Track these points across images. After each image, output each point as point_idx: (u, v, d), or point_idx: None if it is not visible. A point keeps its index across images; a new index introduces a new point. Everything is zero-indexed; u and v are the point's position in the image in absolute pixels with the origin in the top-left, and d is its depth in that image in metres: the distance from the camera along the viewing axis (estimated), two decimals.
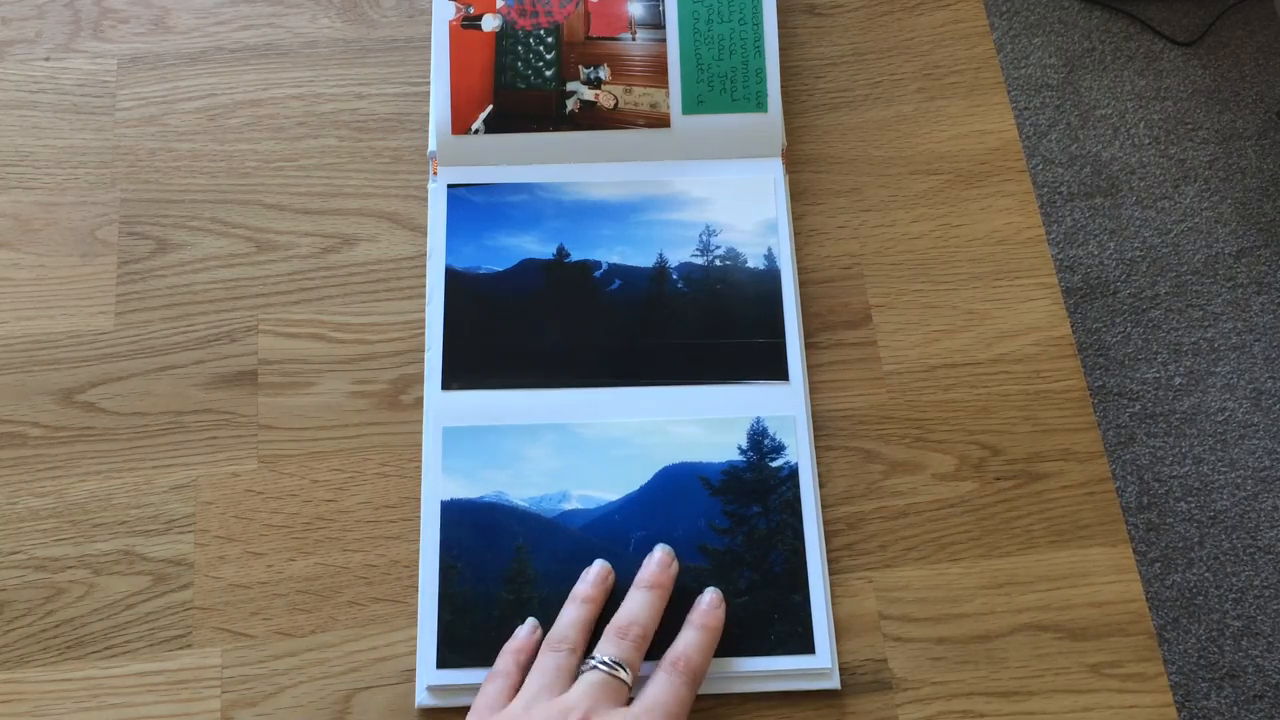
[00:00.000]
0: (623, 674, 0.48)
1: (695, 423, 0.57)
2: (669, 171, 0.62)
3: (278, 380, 0.58)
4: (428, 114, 0.64)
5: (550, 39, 0.61)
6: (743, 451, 0.57)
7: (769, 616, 0.54)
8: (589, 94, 0.61)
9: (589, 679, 0.48)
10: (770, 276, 0.60)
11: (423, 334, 0.59)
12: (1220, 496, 1.43)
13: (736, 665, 0.53)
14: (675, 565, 0.53)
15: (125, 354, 0.59)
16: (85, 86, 0.64)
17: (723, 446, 0.57)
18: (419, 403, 0.58)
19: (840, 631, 0.54)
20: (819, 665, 0.53)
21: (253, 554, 0.55)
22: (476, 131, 0.61)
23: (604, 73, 0.61)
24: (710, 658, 0.51)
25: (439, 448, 0.56)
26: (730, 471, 0.56)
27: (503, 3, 0.62)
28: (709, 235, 0.61)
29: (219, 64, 0.65)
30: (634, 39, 0.62)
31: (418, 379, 0.59)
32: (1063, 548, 0.56)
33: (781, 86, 0.64)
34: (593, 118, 0.61)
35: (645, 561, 0.53)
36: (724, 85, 0.62)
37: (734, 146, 0.62)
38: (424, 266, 0.61)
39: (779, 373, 0.59)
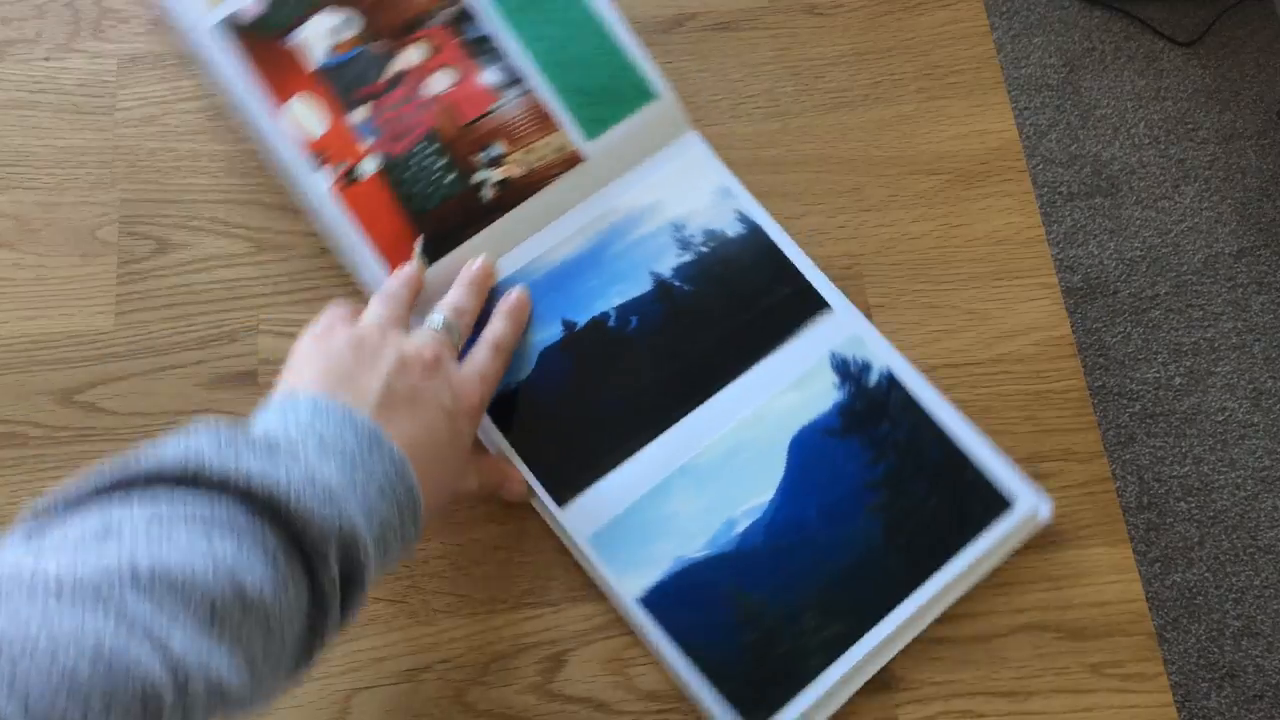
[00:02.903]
0: (455, 337, 0.54)
1: (785, 391, 0.57)
2: (609, 198, 0.61)
3: (278, 380, 0.58)
4: None
5: (433, 146, 0.59)
6: (840, 387, 0.57)
7: (962, 503, 0.55)
8: (497, 175, 0.59)
9: (434, 332, 0.53)
10: (755, 233, 0.61)
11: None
12: (1220, 496, 1.43)
13: (962, 561, 0.54)
14: (493, 277, 0.59)
15: (125, 354, 0.59)
16: (85, 86, 0.64)
17: (822, 395, 0.57)
18: None
19: None
20: (1025, 514, 0.55)
21: None
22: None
23: (499, 148, 0.59)
24: (518, 337, 0.57)
25: (599, 557, 0.54)
26: (843, 410, 0.57)
27: (368, 141, 0.59)
28: (679, 231, 0.60)
29: None
30: (504, 103, 0.60)
31: None
32: (1063, 548, 0.56)
33: (779, 93, 0.64)
34: (514, 193, 0.59)
35: (469, 265, 0.58)
36: (608, 96, 0.61)
37: (649, 143, 0.62)
38: None
39: (819, 305, 0.59)
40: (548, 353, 0.58)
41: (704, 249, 0.60)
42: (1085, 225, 1.57)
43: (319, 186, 0.58)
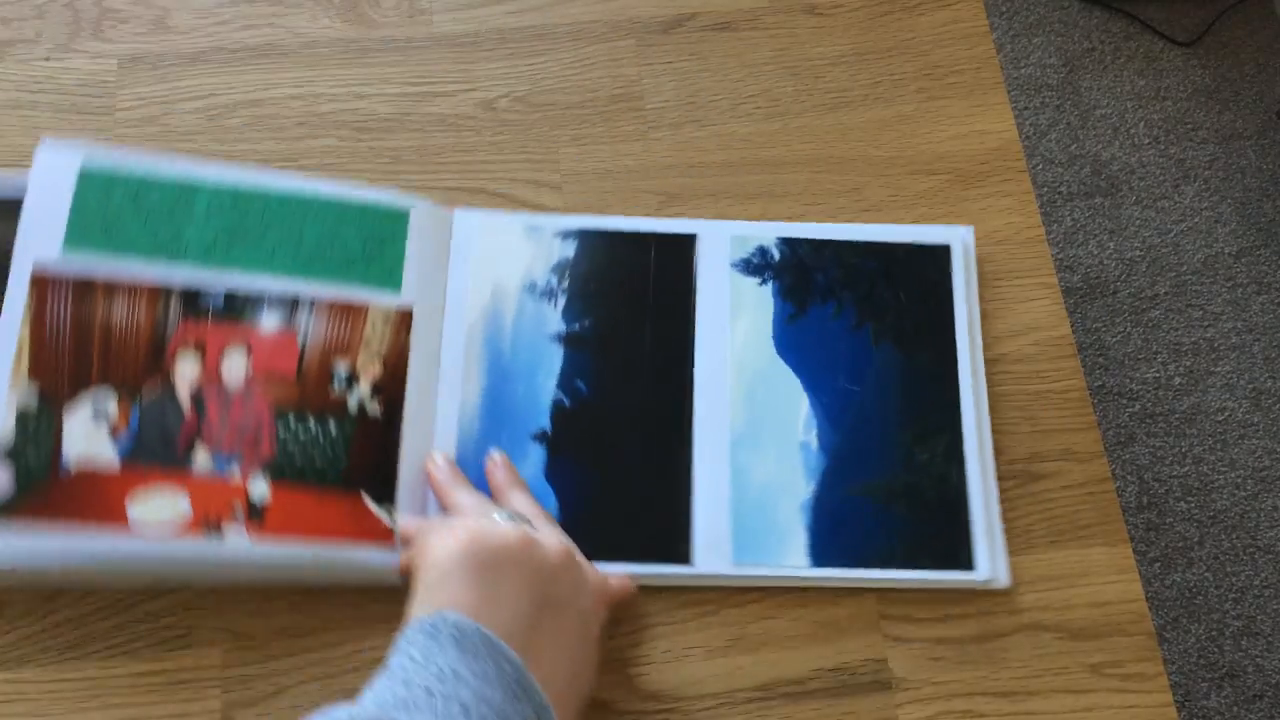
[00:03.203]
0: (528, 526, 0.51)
1: (733, 322, 0.59)
2: (458, 318, 0.58)
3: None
4: (429, 113, 0.64)
5: (290, 419, 0.53)
6: (762, 282, 0.60)
7: (919, 278, 0.60)
8: (365, 388, 0.54)
9: (526, 528, 0.50)
10: (584, 237, 0.60)
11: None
12: (1220, 496, 1.43)
13: (960, 312, 0.59)
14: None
15: None
16: (85, 86, 0.64)
17: (758, 300, 0.59)
18: None
19: (840, 632, 0.54)
20: (960, 247, 0.61)
21: None
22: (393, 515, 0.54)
23: (343, 368, 0.54)
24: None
25: (754, 569, 0.54)
26: (782, 294, 0.59)
27: (234, 470, 0.52)
28: (534, 288, 0.59)
29: (219, 64, 0.65)
30: (305, 330, 0.55)
31: None
32: (1063, 548, 0.56)
33: (779, 93, 0.64)
34: (391, 388, 0.55)
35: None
36: (374, 245, 0.57)
37: (438, 246, 0.59)
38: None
39: (688, 242, 0.60)
40: (550, 471, 0.56)
41: (566, 283, 0.59)
42: (1085, 225, 1.57)
43: (238, 546, 0.51)
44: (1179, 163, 1.61)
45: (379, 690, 0.42)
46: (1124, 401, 1.47)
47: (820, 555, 0.55)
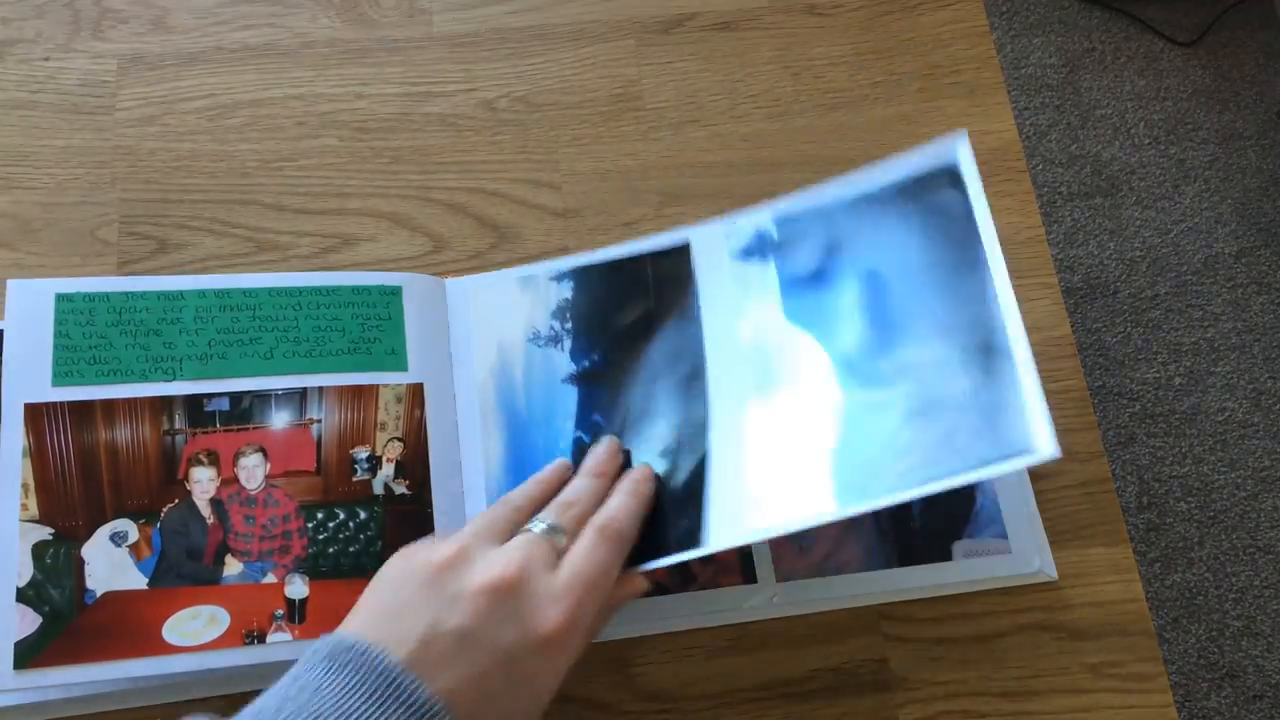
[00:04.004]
0: (558, 539, 0.46)
1: (753, 313, 0.54)
2: (469, 383, 0.56)
3: None
4: (429, 113, 0.64)
5: (320, 515, 0.52)
6: (765, 265, 0.54)
7: (930, 211, 0.52)
8: (389, 470, 0.53)
9: (526, 537, 0.46)
10: (578, 274, 0.58)
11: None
12: (1220, 496, 1.43)
13: (983, 225, 0.51)
14: (620, 456, 0.52)
15: None
16: (85, 86, 0.64)
17: (762, 281, 0.54)
18: None
19: (840, 632, 0.54)
20: (961, 162, 0.51)
21: None
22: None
23: (363, 452, 0.53)
24: (638, 525, 0.49)
25: (761, 533, 0.49)
26: (793, 266, 0.54)
27: (268, 569, 0.51)
28: (538, 337, 0.57)
29: (219, 64, 0.65)
30: (317, 420, 0.53)
31: None
32: (1063, 548, 0.56)
33: (779, 93, 0.64)
34: (414, 465, 0.53)
35: (591, 450, 0.52)
36: (372, 327, 0.55)
37: (435, 317, 0.57)
38: (424, 266, 0.61)
39: (682, 251, 0.56)
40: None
41: (570, 324, 0.57)
42: (1085, 225, 1.57)
43: (282, 649, 0.49)
44: (1179, 163, 1.61)
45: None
46: (1124, 401, 1.47)
47: (849, 496, 0.47)
